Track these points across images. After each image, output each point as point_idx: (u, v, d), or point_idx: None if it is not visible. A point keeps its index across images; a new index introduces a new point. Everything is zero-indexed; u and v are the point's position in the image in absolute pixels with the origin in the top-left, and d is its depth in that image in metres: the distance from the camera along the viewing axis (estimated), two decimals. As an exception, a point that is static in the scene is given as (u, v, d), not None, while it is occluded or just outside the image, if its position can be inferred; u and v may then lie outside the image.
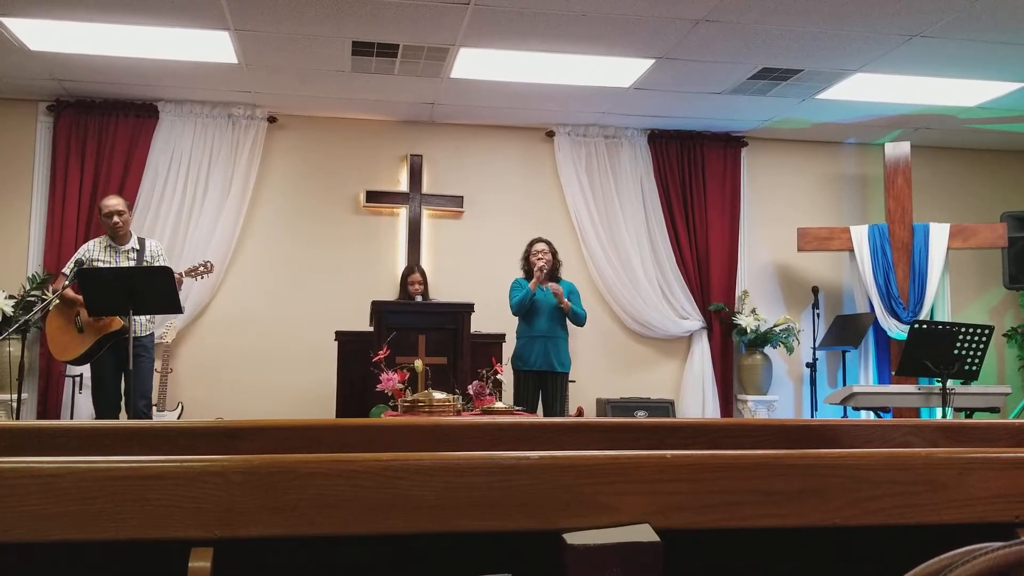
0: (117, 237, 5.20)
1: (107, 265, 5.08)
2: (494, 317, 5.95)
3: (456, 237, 7.01)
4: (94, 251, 5.17)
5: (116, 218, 5.14)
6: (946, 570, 0.80)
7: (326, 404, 5.95)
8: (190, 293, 6.28)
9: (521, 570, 1.24)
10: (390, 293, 6.61)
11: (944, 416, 5.05)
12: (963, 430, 2.04)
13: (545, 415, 5.67)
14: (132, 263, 5.16)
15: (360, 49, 5.48)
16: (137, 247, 5.25)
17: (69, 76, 6.08)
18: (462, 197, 6.99)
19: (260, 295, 6.72)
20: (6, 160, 6.53)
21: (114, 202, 5.20)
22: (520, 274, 5.89)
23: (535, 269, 5.68)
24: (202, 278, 5.50)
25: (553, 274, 5.79)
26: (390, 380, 4.44)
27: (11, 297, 6.12)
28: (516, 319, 5.83)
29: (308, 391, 6.52)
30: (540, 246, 5.79)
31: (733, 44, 5.32)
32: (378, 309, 5.30)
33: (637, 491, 1.23)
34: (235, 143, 6.69)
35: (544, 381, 5.72)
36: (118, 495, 1.12)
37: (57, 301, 4.91)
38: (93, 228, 6.16)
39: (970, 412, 5.27)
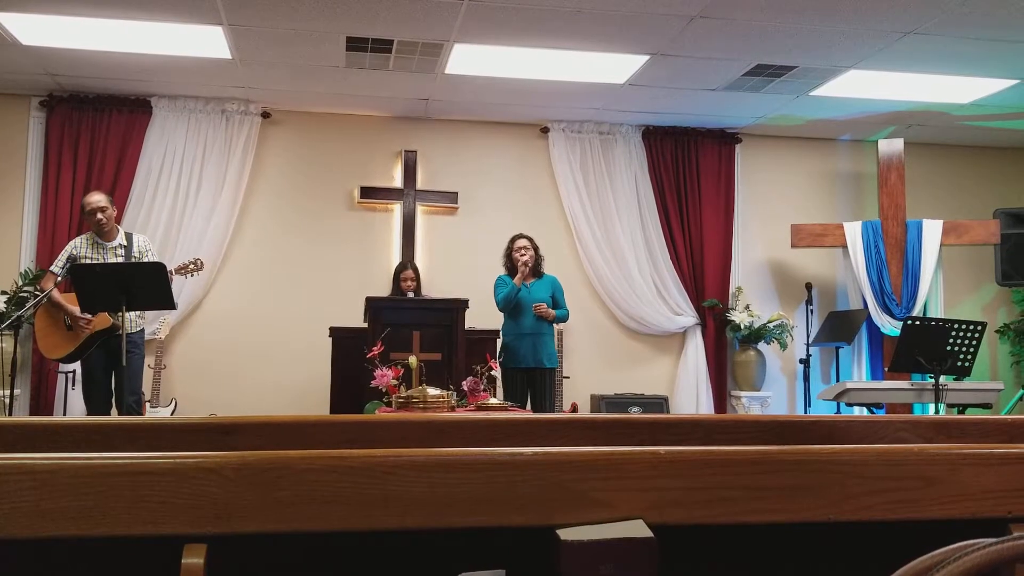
0: (103, 234, 5.18)
1: (95, 262, 5.06)
2: (488, 313, 5.94)
3: (451, 233, 7.01)
4: (81, 248, 5.15)
5: (99, 215, 5.12)
6: (939, 566, 0.80)
7: (320, 400, 5.95)
8: (183, 289, 6.27)
9: (515, 566, 1.25)
10: (385, 289, 6.60)
11: (937, 412, 5.06)
12: (956, 426, 2.05)
13: (535, 411, 5.68)
14: (120, 259, 5.14)
15: (354, 45, 5.47)
16: (125, 243, 5.24)
17: (62, 71, 6.06)
18: (457, 193, 6.99)
19: (254, 291, 6.71)
20: (-2, 155, 6.51)
21: (96, 198, 5.18)
22: (503, 271, 5.92)
23: (518, 265, 5.70)
24: (192, 276, 5.50)
25: (535, 269, 5.81)
26: (384, 376, 4.44)
27: (3, 293, 6.10)
28: (503, 317, 5.85)
29: (302, 387, 6.51)
30: (522, 242, 5.82)
31: (727, 40, 5.32)
32: (373, 305, 5.29)
33: (631, 487, 1.23)
34: (229, 139, 6.67)
35: (533, 378, 5.74)
36: (112, 491, 1.12)
37: (46, 301, 4.89)
38: (86, 224, 6.14)
39: (963, 408, 5.29)
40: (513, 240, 5.89)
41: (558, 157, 7.10)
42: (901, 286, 6.84)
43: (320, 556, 1.27)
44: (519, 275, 5.69)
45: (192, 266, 5.32)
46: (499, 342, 5.84)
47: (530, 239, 5.87)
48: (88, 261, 5.06)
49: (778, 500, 1.28)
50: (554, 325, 5.87)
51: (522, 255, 5.74)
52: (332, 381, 5.74)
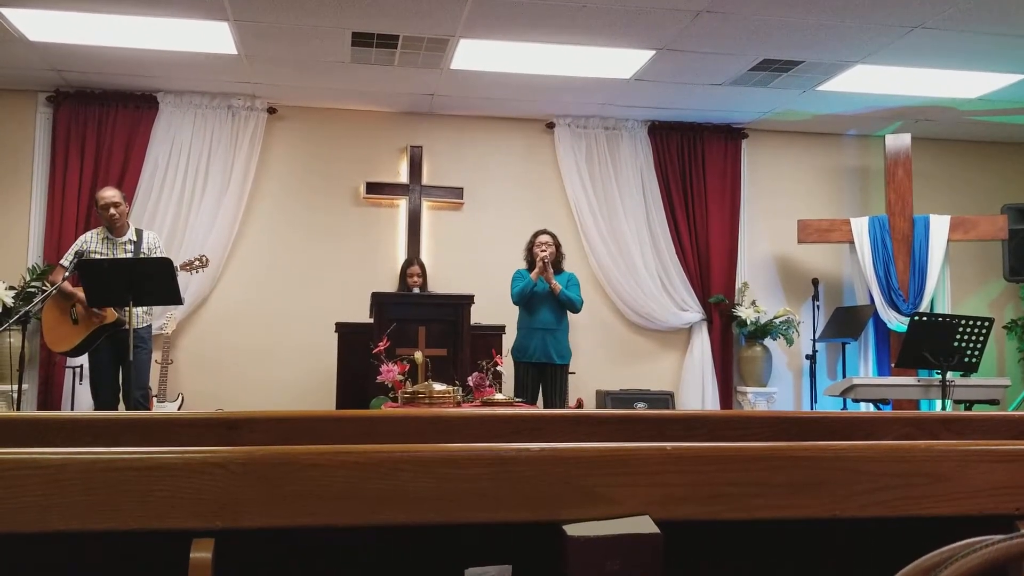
0: (114, 229, 5.20)
1: (104, 257, 5.08)
2: (494, 309, 5.95)
3: (456, 229, 7.01)
4: (91, 243, 5.16)
5: (112, 210, 5.13)
6: (947, 562, 0.80)
7: (326, 395, 5.96)
8: (190, 284, 6.28)
9: (521, 561, 1.25)
10: (390, 285, 6.61)
11: (944, 408, 5.05)
12: (963, 422, 2.05)
13: (545, 407, 5.68)
14: (129, 255, 5.16)
15: (360, 40, 5.47)
16: (134, 239, 5.25)
17: (69, 67, 6.07)
18: (462, 189, 6.99)
19: (260, 286, 6.72)
20: (6, 151, 6.52)
21: (110, 194, 5.20)
22: (523, 265, 5.91)
23: (537, 260, 5.70)
24: (197, 272, 5.51)
25: (555, 266, 5.81)
26: (390, 372, 4.44)
27: (11, 288, 6.12)
28: (516, 311, 5.84)
29: (308, 382, 6.53)
30: (544, 237, 5.82)
31: (734, 35, 5.31)
32: (378, 301, 5.30)
33: (637, 483, 1.23)
34: (235, 134, 6.68)
35: (544, 373, 5.75)
36: (120, 486, 1.12)
37: (55, 292, 4.91)
38: (93, 219, 6.15)
39: (970, 404, 5.28)
40: (536, 235, 5.88)
41: (564, 152, 7.09)
42: (908, 282, 6.82)
43: (327, 551, 1.28)
44: (536, 270, 5.69)
45: (198, 262, 5.34)
46: (504, 338, 5.84)
47: (553, 235, 5.87)
48: (98, 255, 5.08)
49: (785, 496, 1.28)
50: (569, 318, 5.87)
51: (542, 250, 5.73)
52: (338, 376, 5.76)
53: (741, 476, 1.27)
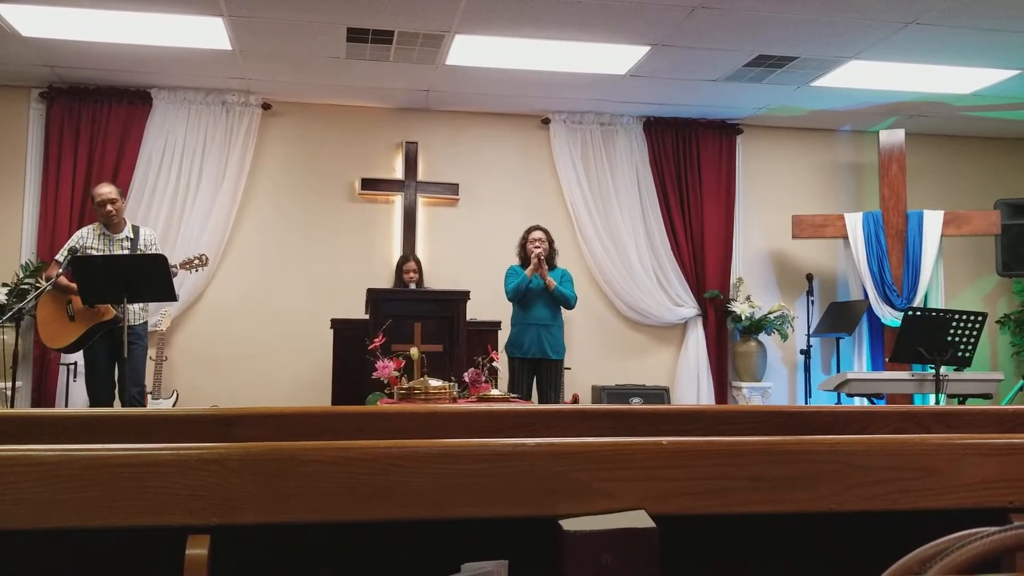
0: (111, 225, 5.18)
1: (101, 253, 5.07)
2: (490, 304, 5.95)
3: (452, 225, 7.00)
4: (88, 239, 5.15)
5: (109, 206, 5.12)
6: (941, 555, 0.81)
7: (322, 392, 5.96)
8: (185, 281, 6.26)
9: (518, 556, 1.25)
10: (386, 281, 6.61)
11: (937, 403, 5.07)
12: (956, 416, 2.05)
13: (539, 402, 5.69)
14: (126, 251, 5.14)
15: (355, 35, 5.46)
16: (131, 235, 5.24)
17: (62, 62, 6.04)
18: (457, 184, 6.98)
19: (255, 283, 6.71)
20: (-1, 147, 6.50)
21: (106, 190, 5.18)
22: (517, 261, 5.90)
23: (531, 256, 5.69)
24: (196, 271, 5.50)
25: (549, 262, 5.80)
26: (386, 368, 4.44)
27: (5, 285, 6.11)
28: (511, 307, 5.84)
29: (303, 379, 6.52)
30: (537, 234, 5.81)
31: (729, 31, 5.31)
32: (374, 297, 5.30)
33: (633, 477, 1.24)
34: (229, 130, 6.66)
35: (538, 368, 5.75)
36: (116, 482, 1.12)
37: (50, 288, 4.89)
38: (87, 215, 6.14)
39: (963, 398, 5.30)
40: (529, 231, 5.86)
41: (559, 148, 7.09)
42: (902, 277, 6.84)
43: (323, 547, 1.28)
44: (531, 267, 5.68)
45: (197, 261, 5.32)
46: (500, 333, 5.84)
47: (546, 231, 5.85)
48: (94, 252, 5.06)
49: (780, 490, 1.28)
50: (563, 313, 5.87)
51: (536, 247, 5.73)
52: (333, 373, 5.76)
53: (736, 470, 1.27)
